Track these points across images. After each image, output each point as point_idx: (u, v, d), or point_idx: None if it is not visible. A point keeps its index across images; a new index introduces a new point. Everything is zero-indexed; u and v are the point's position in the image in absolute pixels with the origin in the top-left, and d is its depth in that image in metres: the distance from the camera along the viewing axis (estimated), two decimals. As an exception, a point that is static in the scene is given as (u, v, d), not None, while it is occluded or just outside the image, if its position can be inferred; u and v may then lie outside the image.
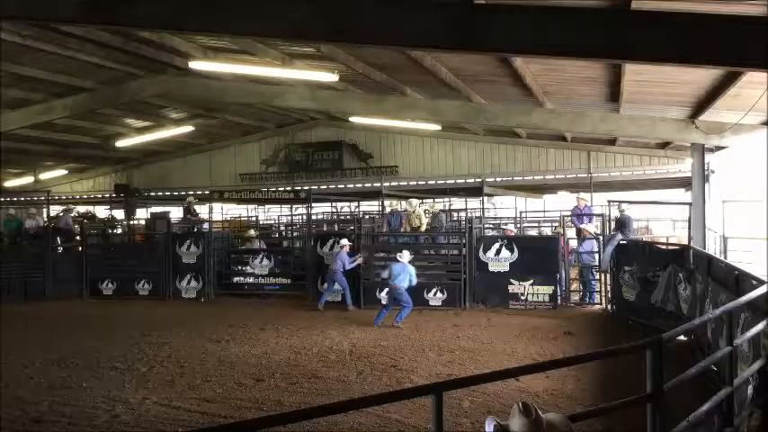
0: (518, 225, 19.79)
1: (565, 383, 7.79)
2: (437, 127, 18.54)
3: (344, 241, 14.17)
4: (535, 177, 20.79)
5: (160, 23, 7.69)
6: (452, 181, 21.53)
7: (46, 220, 20.45)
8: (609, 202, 16.01)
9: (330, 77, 12.67)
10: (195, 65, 12.82)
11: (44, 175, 25.67)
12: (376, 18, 6.34)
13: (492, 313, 13.08)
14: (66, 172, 25.74)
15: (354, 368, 8.85)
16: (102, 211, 24.97)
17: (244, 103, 17.60)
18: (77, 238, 19.08)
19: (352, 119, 19.31)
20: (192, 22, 6.94)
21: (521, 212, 22.52)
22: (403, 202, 17.40)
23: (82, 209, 24.12)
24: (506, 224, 18.57)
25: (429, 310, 13.46)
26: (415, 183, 21.68)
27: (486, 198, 21.89)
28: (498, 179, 21.11)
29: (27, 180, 25.90)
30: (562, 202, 21.88)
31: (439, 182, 21.59)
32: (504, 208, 24.05)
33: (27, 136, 18.54)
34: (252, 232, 18.14)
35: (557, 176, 20.54)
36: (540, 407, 3.45)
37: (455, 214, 21.34)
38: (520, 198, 25.83)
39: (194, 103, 18.01)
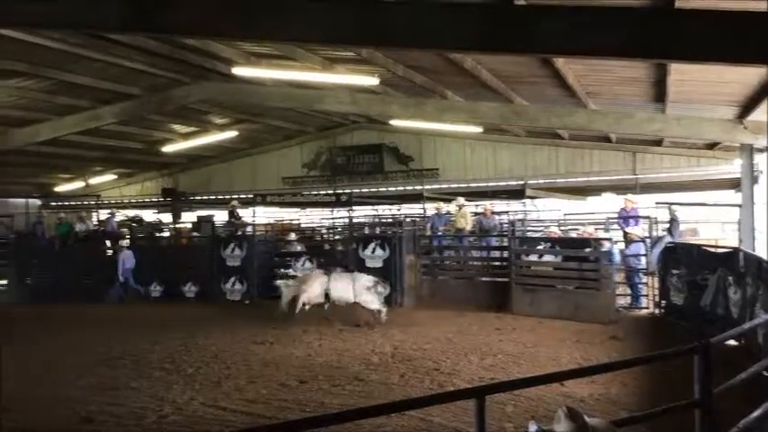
0: (561, 227, 19.53)
1: (610, 388, 7.66)
2: (478, 129, 18.46)
3: None
4: (578, 179, 20.51)
5: (202, 31, 7.86)
6: (494, 183, 21.37)
7: (95, 223, 20.99)
8: (657, 203, 15.69)
9: (370, 81, 12.76)
10: (238, 71, 13.04)
11: (94, 180, 26.35)
12: (415, 21, 6.36)
13: (535, 317, 12.93)
14: (115, 177, 26.38)
15: (397, 371, 8.86)
16: (149, 215, 25.48)
17: (285, 108, 17.83)
18: (125, 241, 19.54)
19: (392, 122, 19.37)
20: (233, 30, 7.08)
21: (564, 215, 22.23)
22: (445, 205, 17.33)
23: (130, 212, 24.66)
24: (548, 226, 18.33)
25: (471, 312, 13.38)
26: (456, 185, 21.59)
27: (527, 200, 21.67)
28: (540, 181, 20.88)
29: (78, 185, 26.62)
30: (607, 204, 21.48)
31: (480, 184, 21.46)
32: (547, 210, 23.72)
33: (77, 142, 19.05)
34: (292, 235, 18.30)
35: (601, 178, 20.21)
36: (586, 412, 3.41)
37: (497, 217, 21.16)
38: (563, 200, 25.48)
39: (238, 108, 18.30)
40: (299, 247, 17.55)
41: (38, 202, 25.65)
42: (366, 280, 12.47)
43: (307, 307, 12.69)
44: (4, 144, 17.30)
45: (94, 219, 22.63)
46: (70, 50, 11.80)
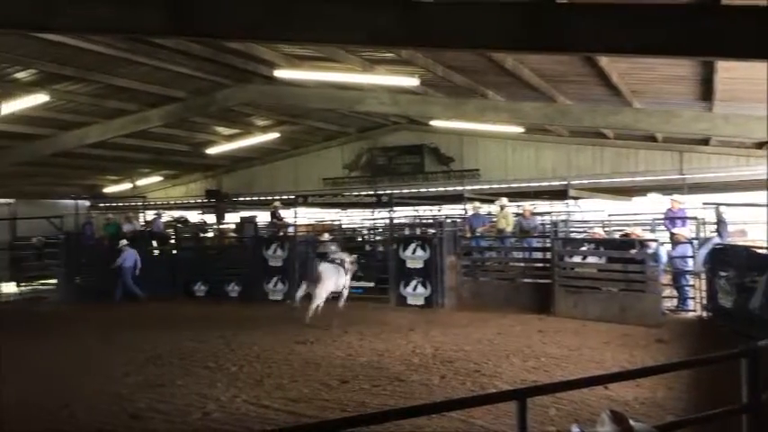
0: (606, 228, 19.22)
1: (656, 392, 7.51)
2: (520, 129, 18.30)
3: None
4: (624, 179, 20.16)
5: (245, 35, 7.97)
6: (536, 184, 21.16)
7: (142, 224, 21.45)
8: (704, 204, 15.32)
9: (411, 82, 12.76)
10: (280, 73, 13.18)
11: (141, 182, 26.95)
12: (455, 21, 6.34)
13: (579, 319, 12.75)
14: (161, 178, 26.94)
15: (437, 372, 8.84)
16: (194, 216, 25.95)
17: (326, 109, 17.95)
18: (171, 241, 19.93)
19: (433, 122, 19.33)
20: (275, 33, 7.14)
21: (608, 215, 21.88)
22: (483, 205, 17.22)
23: (176, 213, 25.13)
24: (592, 227, 18.05)
25: (513, 314, 13.26)
26: (497, 186, 21.43)
27: (571, 201, 21.39)
28: (584, 181, 20.58)
29: (125, 186, 27.25)
30: (654, 205, 21.07)
31: (522, 185, 21.26)
32: (591, 211, 23.38)
33: (125, 144, 19.49)
34: (326, 236, 18.40)
35: (647, 178, 19.82)
36: (630, 416, 3.35)
37: (539, 217, 20.95)
38: (607, 201, 25.08)
39: (279, 110, 18.49)
40: (333, 248, 17.64)
41: (87, 203, 26.33)
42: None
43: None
44: (54, 147, 17.83)
45: (141, 219, 23.11)
46: (117, 55, 12.07)
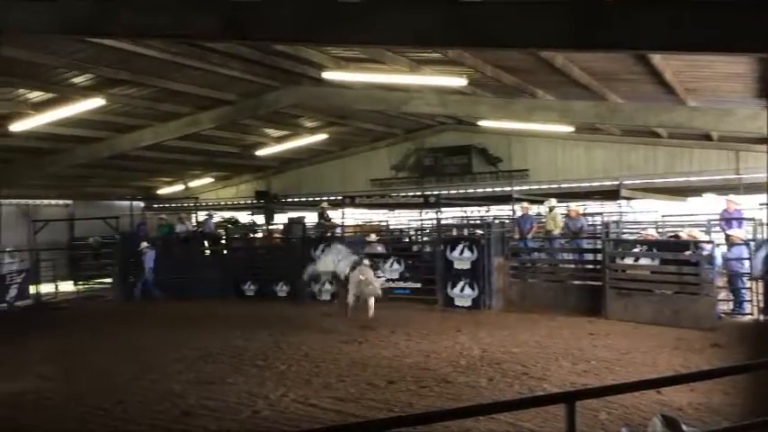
0: (659, 229, 18.78)
1: (711, 398, 7.31)
2: (570, 128, 18.04)
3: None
4: (678, 179, 19.66)
5: (294, 38, 8.07)
6: (587, 184, 20.81)
7: (194, 224, 21.89)
8: (761, 204, 14.82)
9: (458, 82, 12.72)
10: (328, 75, 13.29)
11: (193, 183, 27.50)
12: (504, 20, 6.29)
13: (630, 322, 12.49)
14: (212, 180, 27.44)
15: (485, 374, 8.78)
16: (244, 217, 26.37)
17: (374, 110, 18.02)
18: (222, 241, 20.29)
19: (481, 123, 19.21)
20: (324, 35, 7.21)
21: (662, 216, 21.39)
22: (532, 205, 17.02)
23: (226, 214, 25.58)
24: (645, 228, 17.68)
25: (562, 317, 13.08)
26: (546, 186, 21.17)
27: (623, 201, 20.98)
28: (637, 181, 20.16)
29: (178, 187, 27.85)
30: (709, 206, 20.50)
31: (572, 185, 20.95)
32: (644, 211, 22.89)
33: (177, 147, 19.92)
34: (372, 236, 18.45)
35: (701, 178, 19.28)
36: (684, 421, 3.28)
37: (590, 218, 20.61)
38: (661, 201, 24.53)
39: (327, 111, 18.64)
40: (379, 248, 17.68)
41: (141, 204, 27.02)
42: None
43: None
44: (110, 149, 18.33)
45: (193, 220, 23.59)
46: (171, 59, 12.35)
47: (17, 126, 15.03)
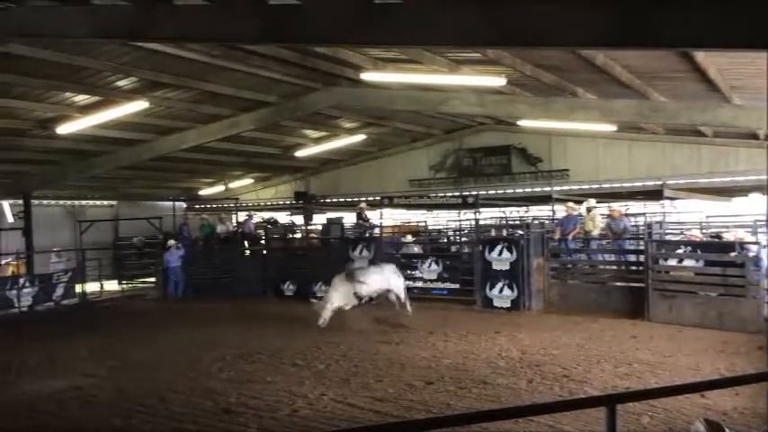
0: (704, 230, 18.36)
1: (756, 402, 7.10)
2: (612, 128, 17.76)
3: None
4: (723, 179, 19.19)
5: (333, 39, 8.11)
6: (629, 184, 20.45)
7: (235, 225, 22.17)
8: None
9: (497, 81, 12.63)
10: (366, 76, 13.33)
11: (233, 184, 27.86)
12: (544, 19, 6.22)
13: (674, 325, 12.24)
14: (252, 181, 27.76)
15: (524, 376, 8.70)
16: (283, 217, 26.61)
17: (412, 111, 18.00)
18: (261, 241, 20.50)
19: (520, 122, 19.04)
20: (363, 36, 7.23)
21: (706, 217, 20.90)
22: (576, 206, 16.79)
23: (266, 215, 25.84)
24: (689, 229, 17.31)
25: (604, 319, 12.88)
26: (587, 186, 20.87)
27: (666, 201, 20.56)
28: (680, 181, 19.73)
29: (219, 188, 28.25)
30: (755, 206, 19.98)
31: (614, 185, 20.62)
32: (688, 212, 22.39)
33: (218, 148, 20.20)
34: (409, 237, 18.41)
35: (748, 178, 18.75)
36: (728, 425, 3.20)
37: (633, 219, 20.25)
38: (705, 201, 23.99)
39: (365, 112, 18.69)
40: (415, 249, 17.63)
41: (183, 204, 27.47)
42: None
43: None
44: (153, 151, 18.69)
45: (233, 220, 23.88)
46: (212, 62, 12.54)
47: (64, 128, 15.45)
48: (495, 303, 14.59)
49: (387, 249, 17.19)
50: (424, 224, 24.59)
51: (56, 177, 21.01)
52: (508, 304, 14.44)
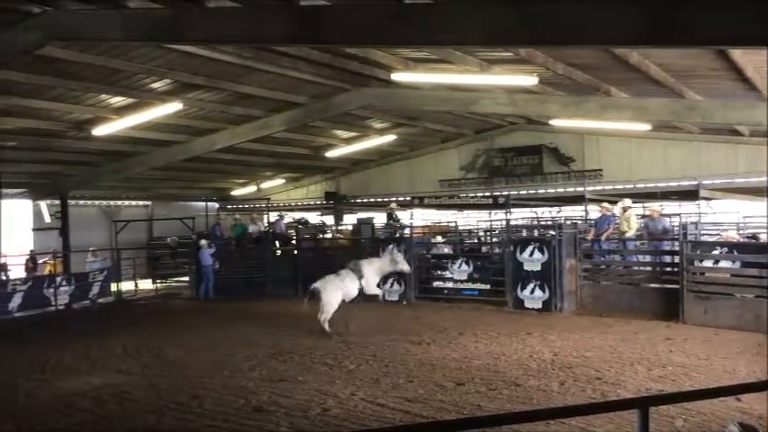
0: (740, 231, 17.99)
1: (796, 407, 6.96)
2: (646, 127, 17.52)
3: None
4: (761, 179, 18.76)
5: (364, 39, 8.14)
6: (663, 184, 20.16)
7: (266, 225, 22.36)
8: None
9: (529, 81, 12.54)
10: (397, 76, 13.35)
11: (265, 185, 28.11)
12: (577, 17, 6.17)
13: (710, 327, 12.01)
14: (283, 181, 27.98)
15: (556, 378, 8.62)
16: (313, 217, 26.77)
17: (442, 111, 17.97)
18: (292, 242, 20.63)
19: (552, 122, 18.88)
20: (394, 37, 7.24)
21: (743, 217, 20.48)
22: (611, 206, 16.58)
23: (297, 215, 26.02)
24: (725, 230, 16.99)
25: (637, 320, 12.70)
26: (621, 186, 20.62)
27: (701, 201, 20.21)
28: (716, 181, 19.38)
29: (250, 189, 28.52)
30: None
31: (648, 185, 20.33)
32: (724, 212, 21.97)
33: (250, 149, 20.40)
34: (438, 238, 18.35)
35: (786, 177, 18.37)
36: (764, 429, 3.14)
37: (667, 219, 19.92)
38: (742, 201, 23.51)
39: (396, 112, 18.71)
40: (446, 249, 17.57)
41: (216, 204, 27.80)
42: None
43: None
44: (186, 152, 18.95)
45: (265, 221, 24.08)
46: (243, 63, 12.67)
47: (99, 130, 15.75)
48: (527, 304, 14.47)
49: (417, 250, 17.15)
50: (454, 224, 24.51)
51: (92, 178, 21.42)
52: (540, 305, 14.31)
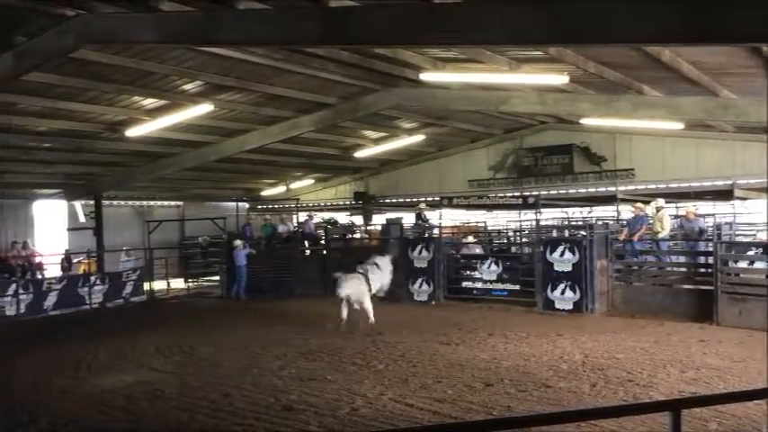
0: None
1: (834, 412, 6.80)
2: (679, 125, 17.25)
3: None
4: (797, 178, 18.38)
5: (393, 40, 8.15)
6: (697, 183, 19.84)
7: (295, 225, 22.50)
8: None
9: (559, 80, 12.43)
10: (426, 76, 13.32)
11: (294, 185, 28.28)
12: (608, 15, 6.10)
13: (744, 329, 11.78)
14: (312, 181, 28.12)
15: (587, 380, 8.53)
16: (342, 217, 26.85)
17: (471, 110, 17.90)
18: (321, 242, 20.73)
19: (583, 121, 18.69)
20: (423, 37, 7.24)
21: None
22: (644, 206, 16.37)
23: (326, 215, 26.12)
24: (761, 230, 16.66)
25: (670, 322, 12.52)
26: (653, 186, 20.34)
27: (736, 201, 19.85)
28: (752, 181, 19.00)
29: (280, 189, 28.71)
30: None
31: (681, 184, 20.02)
32: (759, 213, 21.55)
33: (279, 149, 20.54)
34: (470, 238, 18.28)
35: (824, 177, 17.94)
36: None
37: (702, 219, 19.60)
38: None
39: (425, 112, 18.68)
40: (477, 250, 17.49)
41: (246, 205, 28.04)
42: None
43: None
44: (217, 153, 19.15)
45: (294, 221, 24.23)
46: (274, 65, 12.77)
47: (132, 131, 15.99)
48: (557, 305, 14.35)
49: (446, 250, 17.11)
50: (483, 225, 24.41)
51: (125, 179, 21.76)
52: (570, 306, 14.18)
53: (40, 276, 19.16)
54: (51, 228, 23.39)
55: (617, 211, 20.92)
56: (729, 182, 18.98)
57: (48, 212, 23.48)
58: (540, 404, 7.53)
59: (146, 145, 18.12)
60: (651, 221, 14.99)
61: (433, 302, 16.36)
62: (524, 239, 19.74)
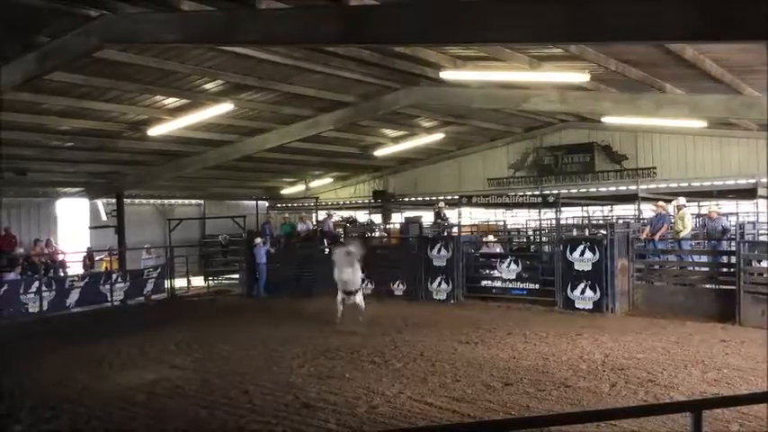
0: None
1: None
2: (701, 123, 17.06)
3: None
4: (823, 177, 18.11)
5: (413, 38, 8.15)
6: (720, 182, 19.61)
7: (314, 224, 22.56)
8: None
9: (580, 78, 12.35)
10: (446, 75, 13.29)
11: (313, 183, 28.38)
12: (629, 13, 6.05)
13: (768, 329, 11.63)
14: (331, 180, 28.20)
15: (607, 380, 8.47)
16: (362, 216, 26.87)
17: (491, 109, 17.84)
18: (341, 240, 20.75)
19: (604, 119, 18.55)
20: (443, 35, 7.22)
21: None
22: (666, 205, 16.22)
23: (345, 213, 26.16)
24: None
25: (692, 322, 12.39)
26: (675, 185, 20.14)
27: (760, 200, 19.59)
28: (776, 179, 18.77)
29: (299, 188, 28.82)
30: None
31: (704, 183, 19.80)
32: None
33: (299, 148, 20.61)
34: (490, 237, 18.21)
35: None
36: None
37: (724, 218, 19.37)
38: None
39: (444, 111, 18.65)
40: (498, 249, 17.42)
41: (266, 203, 28.17)
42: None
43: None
44: (238, 152, 19.27)
45: (314, 219, 24.30)
46: (294, 64, 12.81)
47: (154, 131, 16.14)
48: (577, 305, 14.26)
49: (465, 248, 17.07)
50: (502, 223, 24.31)
51: (146, 177, 21.97)
52: (590, 306, 14.09)
53: (62, 274, 19.41)
54: (74, 226, 23.66)
55: (638, 209, 20.74)
56: (753, 180, 18.75)
57: (70, 211, 23.76)
58: (560, 404, 7.49)
59: (167, 144, 18.29)
60: (673, 220, 14.84)
61: (452, 301, 16.33)
62: (544, 238, 19.63)
